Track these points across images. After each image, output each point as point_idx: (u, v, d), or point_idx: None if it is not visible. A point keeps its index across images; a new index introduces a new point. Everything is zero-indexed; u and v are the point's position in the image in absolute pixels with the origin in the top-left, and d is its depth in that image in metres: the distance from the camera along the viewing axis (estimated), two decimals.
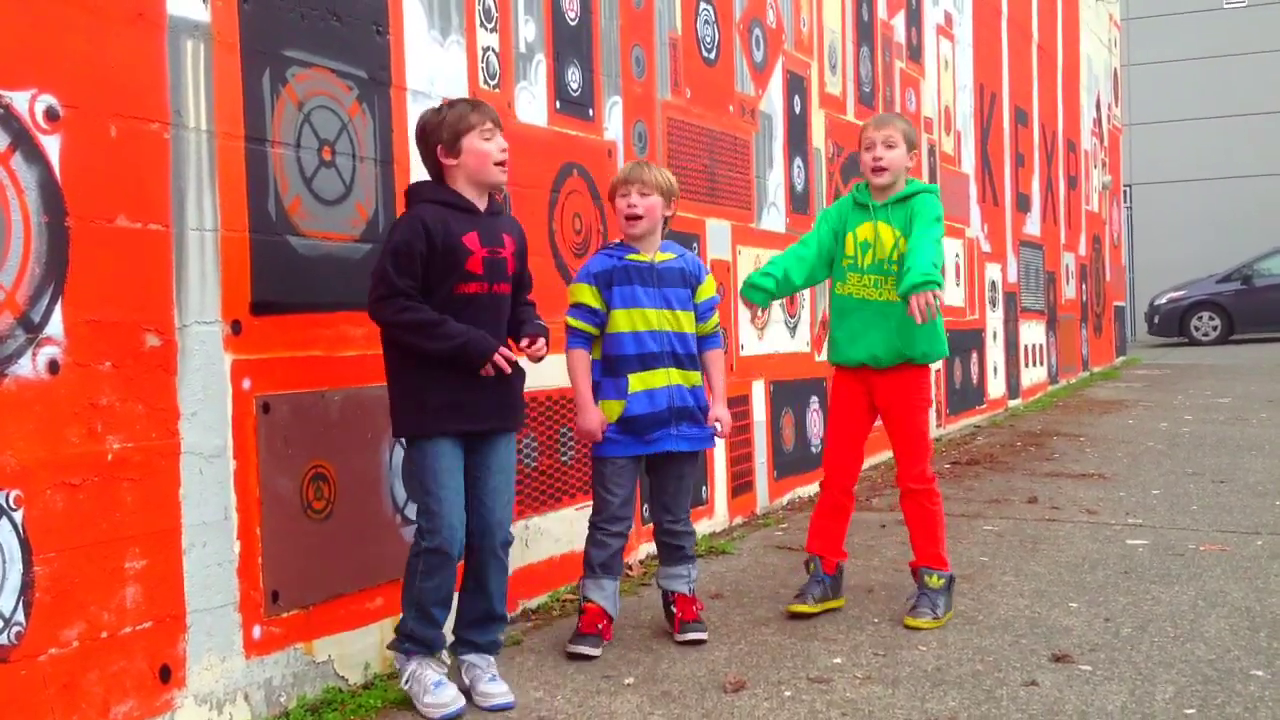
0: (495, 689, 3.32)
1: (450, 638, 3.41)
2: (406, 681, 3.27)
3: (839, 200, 4.35)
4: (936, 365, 5.97)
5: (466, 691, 3.34)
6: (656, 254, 3.90)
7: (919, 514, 4.14)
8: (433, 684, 3.24)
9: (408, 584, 3.28)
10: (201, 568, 2.99)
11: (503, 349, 3.23)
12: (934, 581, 4.06)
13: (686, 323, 3.91)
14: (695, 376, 3.91)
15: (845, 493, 4.24)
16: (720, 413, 3.97)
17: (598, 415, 3.80)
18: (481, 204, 3.33)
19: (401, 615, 3.31)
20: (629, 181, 3.85)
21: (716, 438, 4.01)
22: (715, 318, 4.03)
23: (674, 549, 3.95)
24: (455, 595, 3.38)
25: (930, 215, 4.01)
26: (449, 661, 3.39)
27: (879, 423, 4.30)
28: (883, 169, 4.06)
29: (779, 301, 6.11)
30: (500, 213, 3.43)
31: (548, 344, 3.44)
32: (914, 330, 4.00)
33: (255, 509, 3.15)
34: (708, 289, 4.00)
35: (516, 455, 3.51)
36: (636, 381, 3.80)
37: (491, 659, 3.39)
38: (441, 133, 3.26)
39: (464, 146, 3.26)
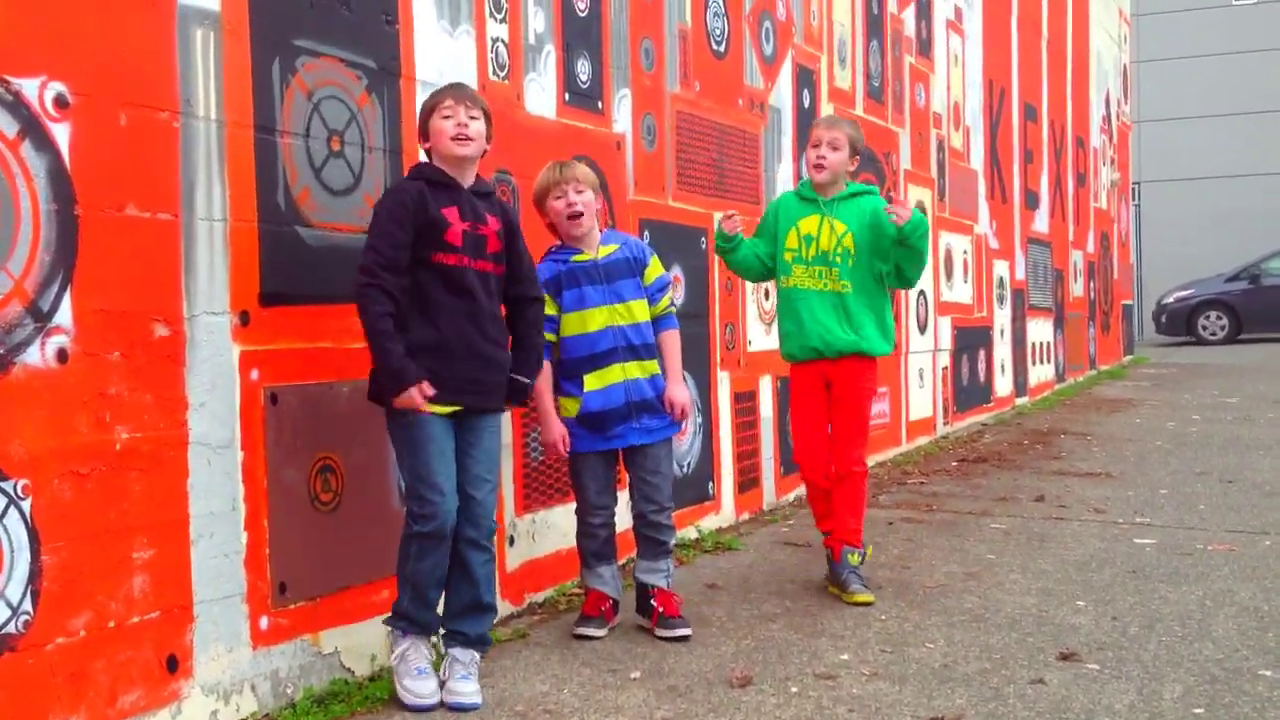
0: (464, 687, 3.25)
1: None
2: (396, 658, 3.30)
3: (781, 197, 4.62)
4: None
5: (442, 683, 3.28)
6: (600, 249, 3.89)
7: (853, 495, 4.38)
8: (416, 670, 3.25)
9: (401, 565, 3.28)
10: (209, 558, 2.99)
11: (418, 396, 3.14)
12: (856, 559, 4.33)
13: (640, 312, 3.90)
14: (653, 365, 3.92)
15: (826, 477, 4.42)
16: (675, 394, 3.92)
17: (558, 429, 3.84)
18: (465, 182, 3.35)
19: (398, 594, 3.31)
20: (562, 182, 3.82)
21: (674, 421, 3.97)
22: (667, 298, 4.00)
23: (654, 542, 3.94)
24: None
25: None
26: (438, 647, 3.38)
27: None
28: (822, 167, 4.34)
29: None
30: (488, 194, 3.43)
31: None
32: (862, 320, 4.30)
33: (263, 500, 3.14)
34: (654, 269, 3.97)
35: (522, 446, 3.50)
36: (592, 380, 3.83)
37: (476, 655, 3.35)
38: (418, 121, 3.41)
39: (430, 128, 3.35)
